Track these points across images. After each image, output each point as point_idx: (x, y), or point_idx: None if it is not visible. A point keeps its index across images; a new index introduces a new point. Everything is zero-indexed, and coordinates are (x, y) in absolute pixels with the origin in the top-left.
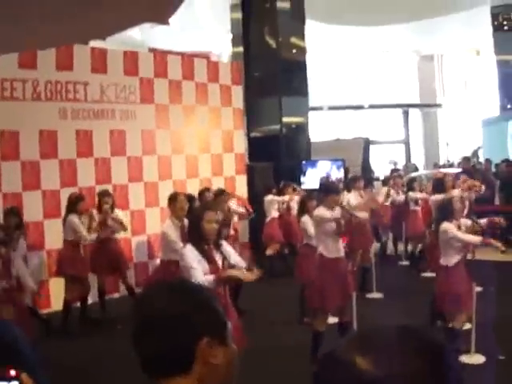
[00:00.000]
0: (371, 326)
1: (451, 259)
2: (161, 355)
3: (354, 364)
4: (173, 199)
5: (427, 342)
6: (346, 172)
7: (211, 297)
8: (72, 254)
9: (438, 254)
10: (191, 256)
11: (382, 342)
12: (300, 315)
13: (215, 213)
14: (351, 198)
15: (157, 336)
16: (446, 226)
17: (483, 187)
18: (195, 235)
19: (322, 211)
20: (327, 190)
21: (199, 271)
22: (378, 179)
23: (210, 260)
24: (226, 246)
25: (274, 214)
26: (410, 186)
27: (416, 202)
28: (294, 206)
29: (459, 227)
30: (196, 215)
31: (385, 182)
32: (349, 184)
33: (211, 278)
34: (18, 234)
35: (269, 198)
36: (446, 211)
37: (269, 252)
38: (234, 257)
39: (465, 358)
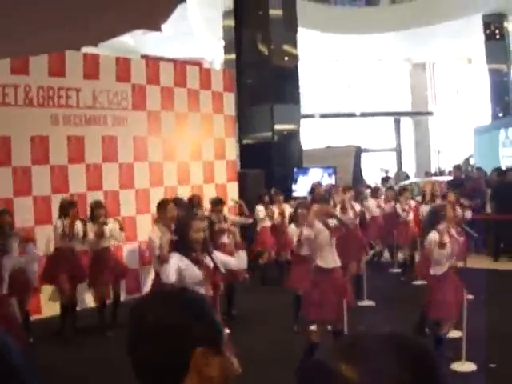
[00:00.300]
0: (358, 332)
1: (439, 268)
2: (155, 364)
3: (340, 373)
4: (162, 206)
5: (414, 349)
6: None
7: (209, 306)
8: (59, 261)
9: (429, 263)
10: (171, 265)
11: (369, 351)
12: (293, 323)
13: (202, 221)
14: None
15: (151, 345)
16: (430, 236)
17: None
18: (182, 244)
19: (306, 231)
20: (317, 200)
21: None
22: (369, 187)
23: (201, 265)
24: (220, 255)
25: (265, 223)
26: (398, 198)
27: (404, 211)
28: (287, 214)
29: (449, 234)
30: (183, 224)
31: (374, 194)
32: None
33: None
34: (11, 233)
35: (259, 208)
36: (435, 218)
37: (262, 261)
38: (233, 261)
39: (456, 366)
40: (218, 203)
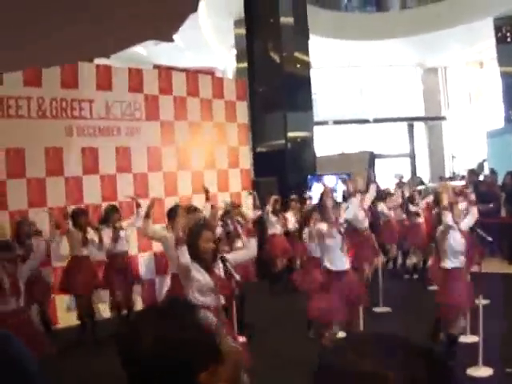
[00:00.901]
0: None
1: (449, 262)
2: None
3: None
4: (173, 213)
5: (426, 351)
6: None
7: (200, 319)
8: (74, 270)
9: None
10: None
11: (383, 347)
12: (308, 329)
13: (212, 232)
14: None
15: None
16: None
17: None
18: (192, 253)
19: (321, 226)
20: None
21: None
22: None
23: (211, 272)
24: (228, 256)
25: (276, 229)
26: (409, 201)
27: (417, 215)
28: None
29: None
30: (193, 234)
31: (379, 197)
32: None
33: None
34: (30, 244)
35: (268, 216)
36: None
37: (276, 270)
38: (241, 253)
39: (472, 371)
40: (231, 209)
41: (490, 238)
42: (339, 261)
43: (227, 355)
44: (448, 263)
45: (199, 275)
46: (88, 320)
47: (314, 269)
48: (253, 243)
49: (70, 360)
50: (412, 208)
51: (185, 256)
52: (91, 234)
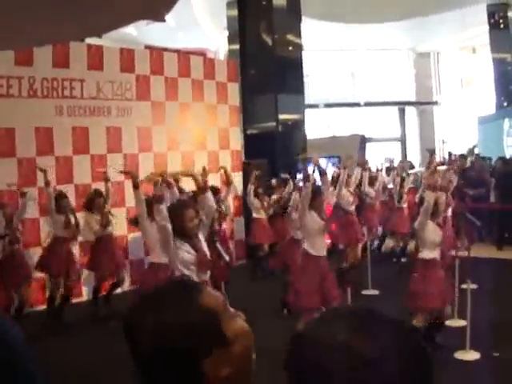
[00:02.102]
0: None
1: (428, 253)
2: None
3: (347, 345)
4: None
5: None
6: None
7: (201, 300)
8: (51, 250)
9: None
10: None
11: (377, 321)
12: (281, 307)
13: (194, 209)
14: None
15: (150, 371)
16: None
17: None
18: (178, 233)
19: (313, 216)
20: (314, 194)
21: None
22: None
23: (196, 249)
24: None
25: (259, 214)
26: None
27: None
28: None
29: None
30: (177, 215)
31: (371, 181)
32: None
33: None
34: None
35: (250, 198)
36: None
37: (260, 254)
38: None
39: (459, 355)
40: (214, 193)
41: (478, 223)
42: (320, 246)
43: (235, 337)
44: (426, 254)
45: (182, 250)
46: (60, 301)
47: (294, 250)
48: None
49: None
50: (369, 191)
51: (162, 213)
52: (78, 217)
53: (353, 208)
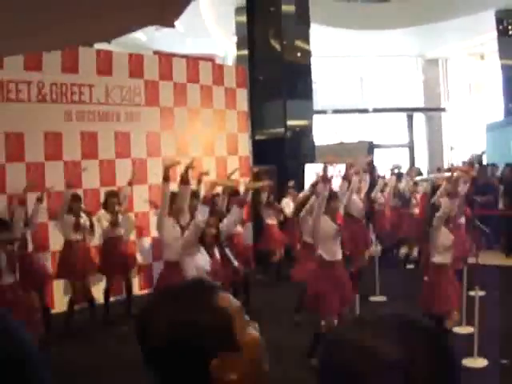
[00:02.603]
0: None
1: (439, 257)
2: (173, 379)
3: (374, 348)
4: (171, 200)
5: (429, 330)
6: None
7: (217, 302)
8: (69, 255)
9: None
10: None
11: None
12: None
13: (215, 218)
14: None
15: (160, 368)
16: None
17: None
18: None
19: (326, 221)
20: (330, 198)
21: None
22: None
23: (211, 255)
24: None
25: (271, 220)
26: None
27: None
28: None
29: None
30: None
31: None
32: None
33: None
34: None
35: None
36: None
37: (274, 259)
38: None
39: (467, 362)
40: (234, 195)
41: (486, 230)
42: (334, 251)
43: (245, 345)
44: (437, 259)
45: (198, 255)
46: (87, 305)
47: (308, 259)
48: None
49: (60, 345)
50: (379, 197)
51: (205, 216)
52: (84, 219)
53: (362, 214)
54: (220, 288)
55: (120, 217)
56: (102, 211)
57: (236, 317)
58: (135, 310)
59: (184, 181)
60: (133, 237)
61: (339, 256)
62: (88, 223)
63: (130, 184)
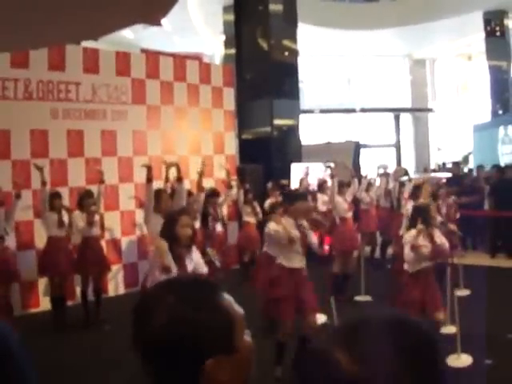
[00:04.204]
0: (358, 317)
1: (412, 266)
2: (164, 375)
3: (338, 362)
4: (156, 196)
5: (416, 333)
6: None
7: (220, 303)
8: (50, 251)
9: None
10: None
11: (369, 337)
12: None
13: (191, 218)
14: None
15: (155, 365)
16: (408, 233)
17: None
18: (168, 237)
19: (272, 226)
20: (292, 199)
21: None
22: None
23: (181, 264)
24: (194, 252)
25: (247, 218)
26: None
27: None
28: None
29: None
30: (171, 218)
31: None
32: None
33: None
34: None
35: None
36: (418, 218)
37: (246, 258)
38: (197, 261)
39: (451, 361)
40: (213, 195)
41: (460, 233)
42: (294, 258)
43: (242, 348)
44: (410, 266)
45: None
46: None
47: (268, 264)
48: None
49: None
50: (364, 197)
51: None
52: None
53: (349, 215)
54: (223, 290)
55: (97, 217)
56: (77, 211)
57: (237, 321)
58: (118, 309)
59: (180, 179)
60: (118, 235)
61: (301, 263)
62: (67, 220)
63: (102, 182)
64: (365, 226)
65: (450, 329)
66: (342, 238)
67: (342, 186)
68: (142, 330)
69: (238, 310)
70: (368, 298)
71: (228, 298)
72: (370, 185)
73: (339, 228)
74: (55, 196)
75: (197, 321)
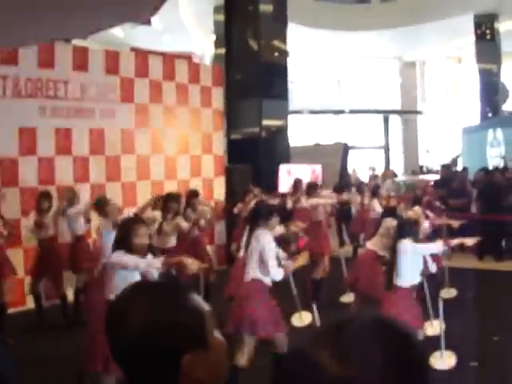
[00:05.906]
0: (342, 318)
1: (405, 281)
2: (140, 379)
3: (322, 365)
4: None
5: (400, 335)
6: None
7: (190, 302)
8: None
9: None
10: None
11: (353, 338)
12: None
13: (147, 227)
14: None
15: (131, 364)
16: (404, 243)
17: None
18: (123, 247)
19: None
20: (267, 215)
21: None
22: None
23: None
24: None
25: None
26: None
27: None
28: None
29: None
30: (125, 227)
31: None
32: (309, 191)
33: (158, 262)
34: None
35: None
36: (401, 233)
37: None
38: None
39: (435, 363)
40: (192, 196)
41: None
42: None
43: (214, 345)
44: (401, 282)
45: (125, 273)
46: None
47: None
48: None
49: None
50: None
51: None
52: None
53: (322, 218)
54: (191, 289)
55: (49, 217)
56: (33, 212)
57: (207, 317)
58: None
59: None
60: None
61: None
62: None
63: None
64: (353, 226)
65: (434, 330)
66: (314, 242)
67: (314, 188)
68: (117, 339)
69: (207, 306)
70: (352, 299)
71: (196, 296)
72: (377, 188)
73: (311, 232)
74: (44, 196)
75: (170, 321)
